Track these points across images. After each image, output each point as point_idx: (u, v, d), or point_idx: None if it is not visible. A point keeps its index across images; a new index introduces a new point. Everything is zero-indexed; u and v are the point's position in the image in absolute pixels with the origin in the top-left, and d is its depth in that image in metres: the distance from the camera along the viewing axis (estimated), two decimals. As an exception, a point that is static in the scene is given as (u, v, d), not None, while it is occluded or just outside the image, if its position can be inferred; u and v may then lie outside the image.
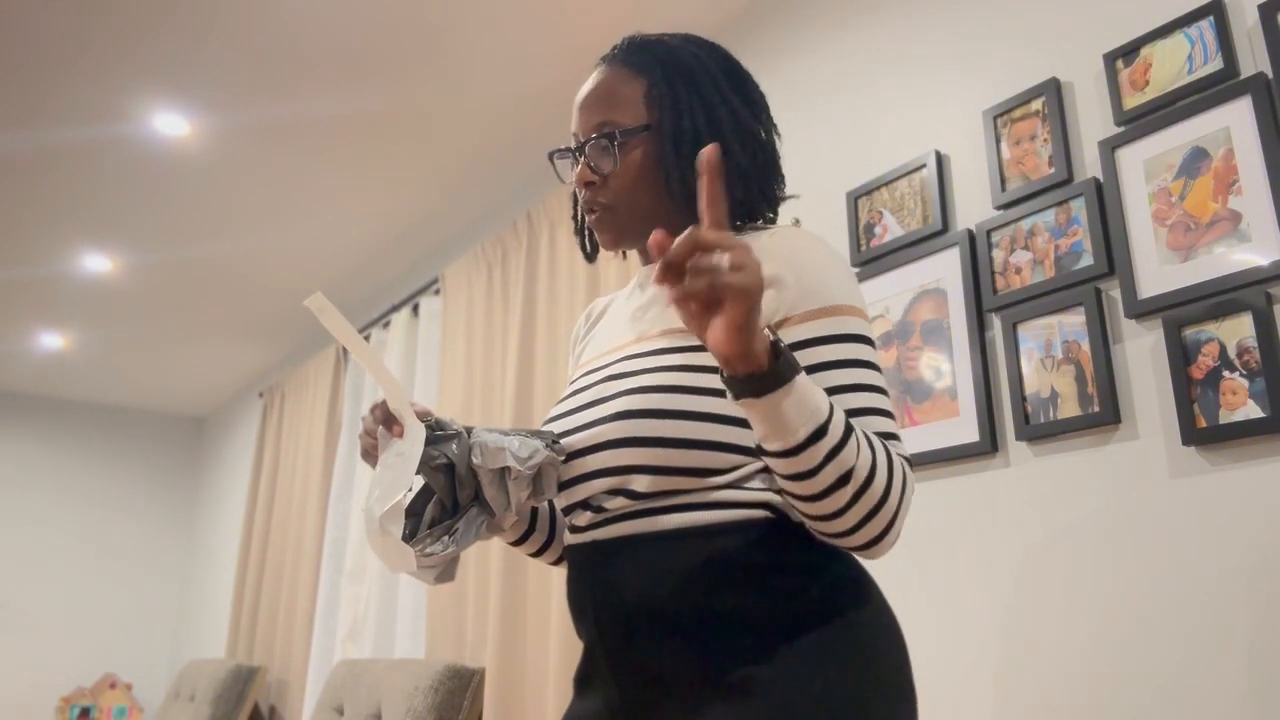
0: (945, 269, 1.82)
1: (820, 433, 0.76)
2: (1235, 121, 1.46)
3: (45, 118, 2.96)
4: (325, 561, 3.92)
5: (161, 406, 6.23)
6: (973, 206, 1.82)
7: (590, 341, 1.11)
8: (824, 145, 2.18)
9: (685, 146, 0.97)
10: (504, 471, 0.91)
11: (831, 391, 0.85)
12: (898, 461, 0.83)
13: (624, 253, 1.11)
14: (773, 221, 1.05)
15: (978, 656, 1.64)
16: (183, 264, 4.05)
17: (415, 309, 3.78)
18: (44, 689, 5.52)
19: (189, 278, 4.19)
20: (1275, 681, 1.29)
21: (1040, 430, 1.61)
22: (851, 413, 0.85)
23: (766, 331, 0.74)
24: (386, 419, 0.95)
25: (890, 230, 1.95)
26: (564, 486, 0.97)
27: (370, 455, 0.98)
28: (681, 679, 0.85)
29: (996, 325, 1.73)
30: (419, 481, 0.94)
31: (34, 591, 5.64)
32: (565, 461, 0.96)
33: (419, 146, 3.15)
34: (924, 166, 1.91)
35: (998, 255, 1.74)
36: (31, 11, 2.49)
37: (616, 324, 1.06)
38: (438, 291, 3.62)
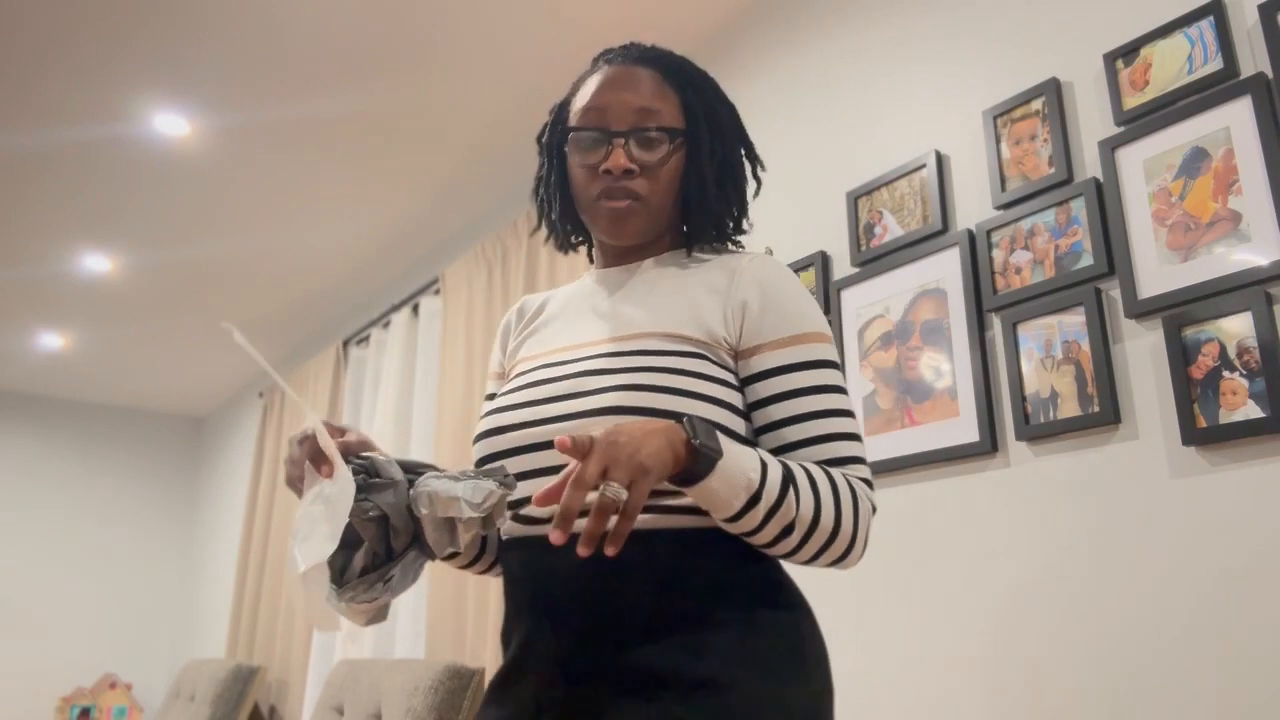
0: (945, 269, 1.82)
1: (754, 500, 0.83)
2: (1235, 121, 1.46)
3: (45, 118, 2.96)
4: (325, 561, 3.91)
5: (161, 406, 6.23)
6: (973, 206, 1.82)
7: (533, 335, 1.09)
8: (824, 145, 2.18)
9: (706, 164, 1.00)
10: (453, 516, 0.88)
11: (801, 418, 0.92)
12: (845, 490, 0.88)
13: (575, 247, 1.12)
14: (738, 243, 1.10)
15: (977, 656, 1.64)
16: (183, 264, 4.05)
17: (415, 309, 3.78)
18: (44, 689, 5.51)
19: (189, 278, 4.19)
20: (1275, 681, 1.29)
21: (1040, 430, 1.61)
22: (819, 439, 0.92)
23: (685, 424, 0.81)
24: (314, 455, 0.89)
25: (890, 230, 1.95)
26: (528, 476, 0.95)
27: (295, 485, 0.93)
28: (641, 673, 0.86)
29: (996, 325, 1.73)
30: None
31: (34, 591, 5.64)
32: (530, 451, 0.94)
33: (419, 146, 3.15)
34: (924, 166, 1.91)
35: (998, 255, 1.74)
36: (31, 11, 2.49)
37: (578, 320, 1.04)
38: (438, 291, 3.62)
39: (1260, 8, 1.45)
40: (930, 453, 1.77)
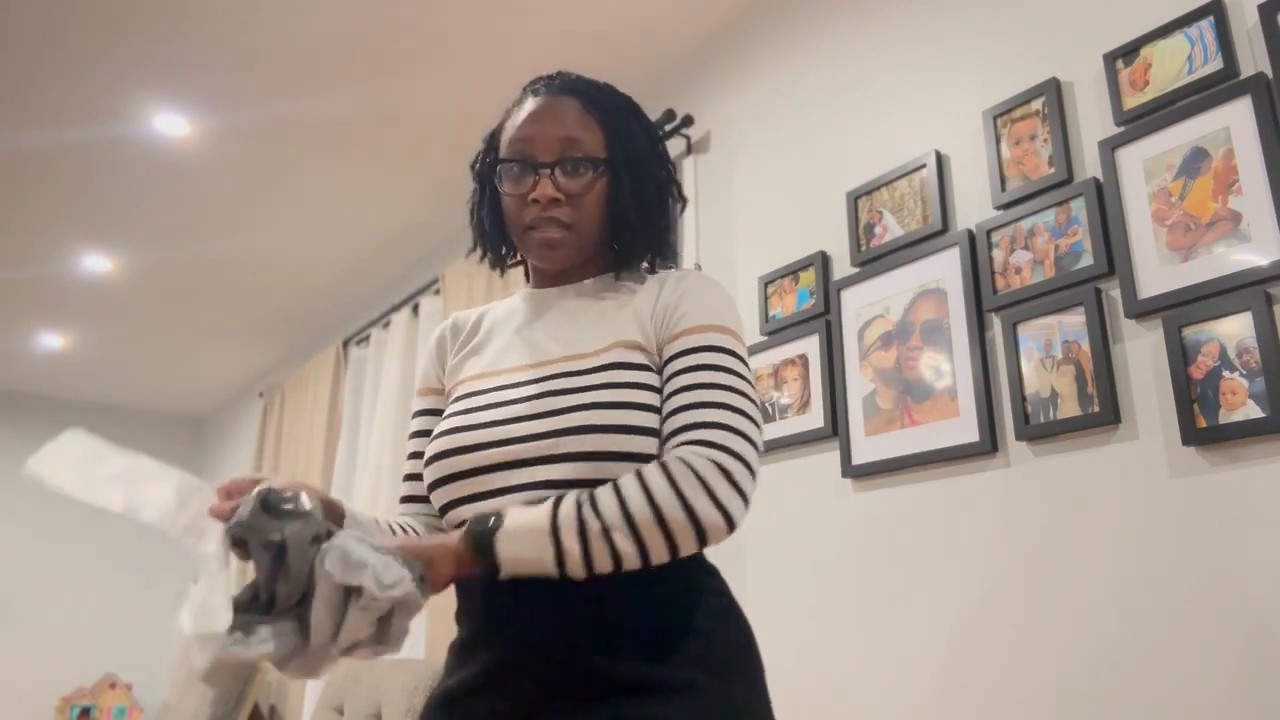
0: (945, 269, 1.82)
1: (557, 545, 0.86)
2: (1235, 121, 1.46)
3: (45, 118, 2.96)
4: (325, 561, 3.91)
5: (161, 406, 6.23)
6: (973, 206, 1.82)
7: (475, 353, 1.11)
8: (824, 145, 2.18)
9: (628, 189, 1.04)
10: (352, 592, 0.77)
11: (675, 392, 0.95)
12: (656, 474, 0.88)
13: (509, 268, 1.16)
14: (671, 261, 1.15)
15: (977, 655, 1.64)
16: (183, 264, 4.05)
17: (415, 309, 3.78)
18: (44, 689, 5.51)
19: (189, 278, 4.19)
20: (1274, 681, 1.29)
21: (1040, 430, 1.61)
22: (684, 407, 0.93)
23: (455, 536, 0.88)
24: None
25: (890, 230, 1.95)
26: (499, 494, 0.96)
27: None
28: (613, 682, 0.90)
29: (996, 325, 1.73)
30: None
31: (34, 591, 5.64)
32: (499, 470, 0.96)
33: (419, 146, 3.15)
34: (924, 166, 1.91)
35: (998, 255, 1.74)
36: (31, 11, 2.49)
37: (526, 338, 1.07)
38: (438, 291, 3.62)
39: (1260, 8, 1.45)
40: (930, 453, 1.77)
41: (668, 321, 1.01)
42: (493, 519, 0.88)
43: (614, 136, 1.04)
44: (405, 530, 1.06)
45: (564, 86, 1.06)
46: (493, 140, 1.11)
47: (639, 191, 1.05)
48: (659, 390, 0.98)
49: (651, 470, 0.89)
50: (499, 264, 1.15)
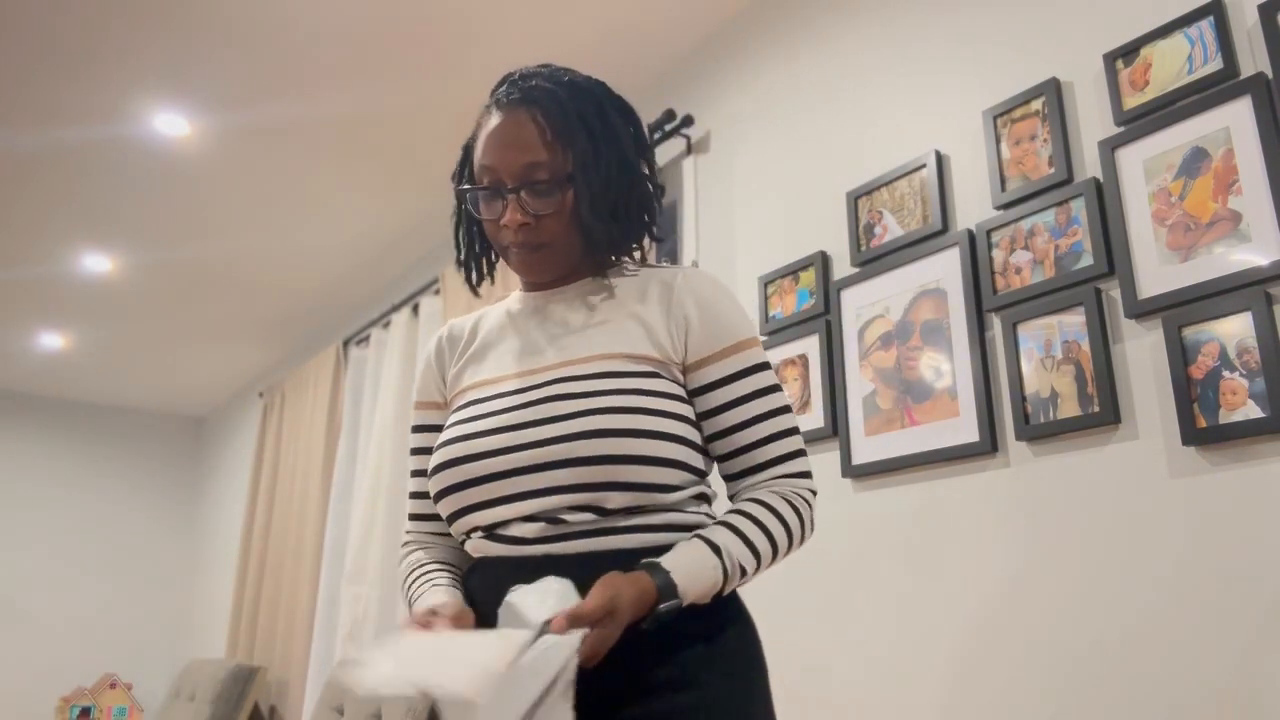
0: (945, 269, 1.82)
1: (722, 587, 0.94)
2: (1235, 121, 1.45)
3: (45, 117, 2.96)
4: (325, 561, 3.91)
5: (161, 406, 6.23)
6: (973, 206, 1.82)
7: (476, 361, 1.11)
8: (824, 145, 2.18)
9: (599, 192, 1.03)
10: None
11: (749, 422, 1.02)
12: (786, 509, 0.99)
13: (491, 279, 1.17)
14: (654, 254, 1.13)
15: (977, 655, 1.64)
16: (183, 264, 4.05)
17: (415, 309, 3.78)
18: (44, 689, 5.51)
19: (189, 278, 4.19)
20: (1274, 683, 1.29)
21: (1040, 430, 1.61)
22: (765, 439, 1.02)
23: (643, 573, 0.89)
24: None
25: (890, 230, 1.95)
26: (510, 501, 0.96)
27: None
28: (622, 683, 0.91)
29: (996, 325, 1.73)
30: None
31: (34, 591, 5.63)
32: (512, 476, 0.96)
33: (419, 146, 3.15)
34: (924, 166, 1.91)
35: (998, 255, 1.74)
36: (32, 12, 2.49)
37: (527, 343, 1.08)
38: (438, 291, 3.62)
39: (1260, 8, 1.45)
40: (930, 453, 1.77)
41: (695, 337, 1.03)
42: (673, 595, 0.89)
43: (577, 145, 1.02)
44: (429, 576, 1.06)
45: (523, 97, 1.03)
46: (467, 155, 1.11)
47: (609, 195, 1.03)
48: (678, 398, 1.00)
49: (787, 508, 0.99)
50: (482, 280, 1.16)
